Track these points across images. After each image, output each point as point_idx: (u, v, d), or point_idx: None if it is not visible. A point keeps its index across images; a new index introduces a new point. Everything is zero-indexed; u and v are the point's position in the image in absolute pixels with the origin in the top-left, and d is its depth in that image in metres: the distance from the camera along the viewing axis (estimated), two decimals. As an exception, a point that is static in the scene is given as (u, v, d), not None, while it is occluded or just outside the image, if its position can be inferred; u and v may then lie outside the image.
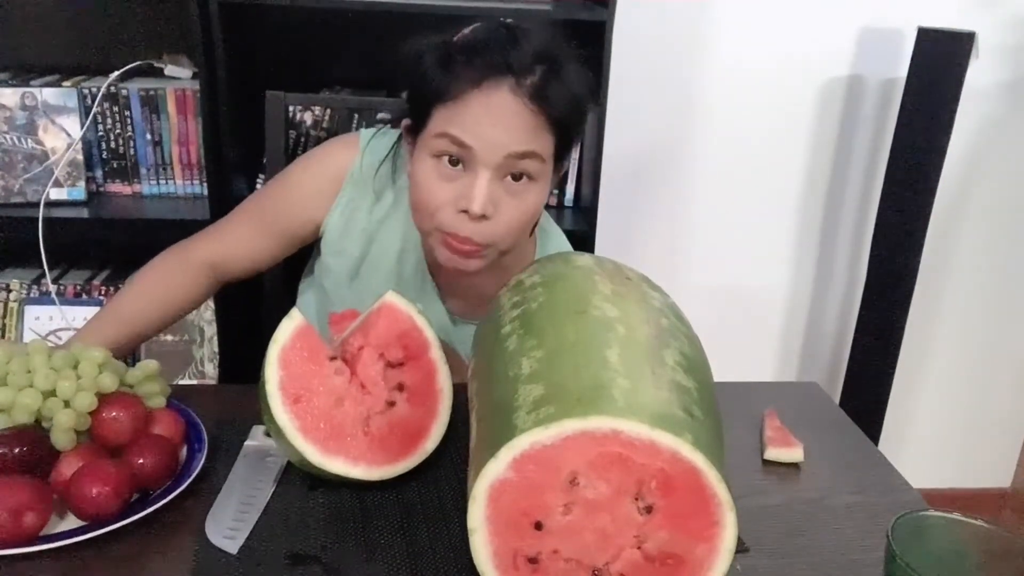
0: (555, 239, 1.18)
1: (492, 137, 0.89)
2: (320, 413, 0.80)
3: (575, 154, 1.72)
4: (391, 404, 0.83)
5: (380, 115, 1.41)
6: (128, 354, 1.07)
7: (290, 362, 0.80)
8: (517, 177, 0.92)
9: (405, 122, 0.99)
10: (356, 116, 1.58)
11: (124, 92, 1.60)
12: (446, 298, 1.12)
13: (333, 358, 0.83)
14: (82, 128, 1.58)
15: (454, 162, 0.92)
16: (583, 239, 1.65)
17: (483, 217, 0.91)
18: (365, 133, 1.10)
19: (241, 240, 1.10)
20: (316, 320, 1.17)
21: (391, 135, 1.09)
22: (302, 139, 1.58)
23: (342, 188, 1.08)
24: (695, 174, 1.99)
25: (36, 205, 1.55)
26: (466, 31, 0.94)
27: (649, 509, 0.63)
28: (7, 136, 1.55)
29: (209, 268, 1.10)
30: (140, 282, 1.08)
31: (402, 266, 1.11)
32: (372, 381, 0.83)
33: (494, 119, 0.89)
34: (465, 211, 0.91)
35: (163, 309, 1.07)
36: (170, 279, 1.08)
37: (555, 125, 0.93)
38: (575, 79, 0.94)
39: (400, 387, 0.84)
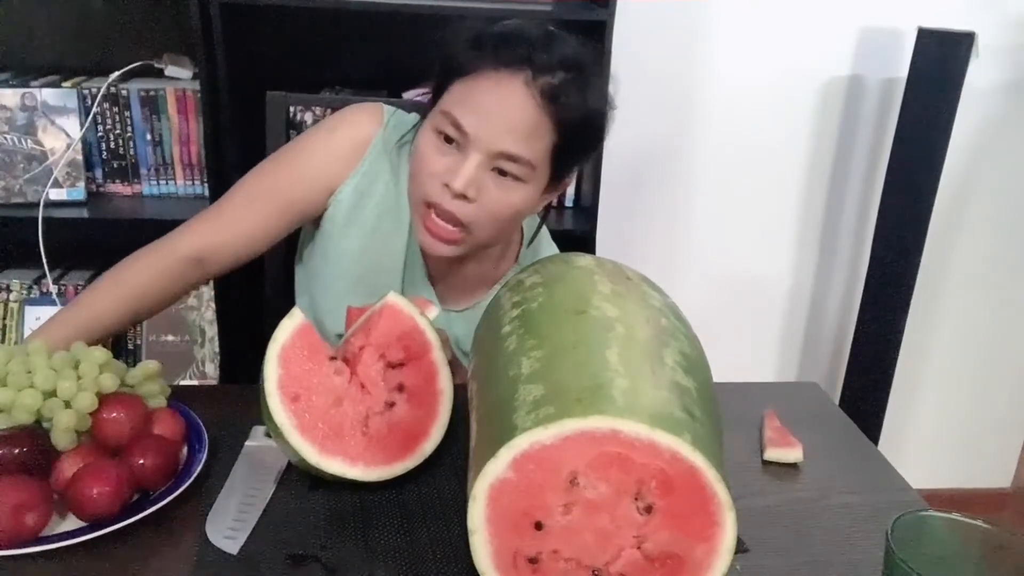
0: (546, 251, 1.19)
1: (489, 129, 0.92)
2: (319, 412, 0.80)
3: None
4: (391, 405, 0.83)
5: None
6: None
7: (289, 361, 0.80)
8: (503, 173, 0.95)
9: (429, 98, 1.01)
10: (356, 116, 1.58)
11: (124, 92, 1.60)
12: (435, 284, 1.13)
13: (333, 358, 0.83)
14: (81, 128, 1.58)
15: (449, 140, 0.95)
16: (583, 239, 1.65)
17: (464, 197, 0.94)
18: (387, 107, 1.10)
19: (238, 223, 1.05)
20: (313, 319, 1.15)
21: (412, 116, 1.10)
22: (302, 139, 1.58)
23: (364, 156, 1.06)
24: (695, 174, 1.99)
25: (36, 205, 1.55)
26: (507, 22, 0.97)
27: (649, 509, 0.63)
28: (7, 136, 1.55)
29: (194, 262, 1.03)
30: (110, 280, 1.01)
31: (409, 246, 1.10)
32: (372, 381, 0.83)
33: (499, 109, 0.92)
34: (448, 186, 0.94)
35: (132, 310, 1.01)
36: (144, 277, 1.01)
37: (559, 132, 0.94)
38: (596, 97, 0.96)
39: (400, 388, 0.84)
